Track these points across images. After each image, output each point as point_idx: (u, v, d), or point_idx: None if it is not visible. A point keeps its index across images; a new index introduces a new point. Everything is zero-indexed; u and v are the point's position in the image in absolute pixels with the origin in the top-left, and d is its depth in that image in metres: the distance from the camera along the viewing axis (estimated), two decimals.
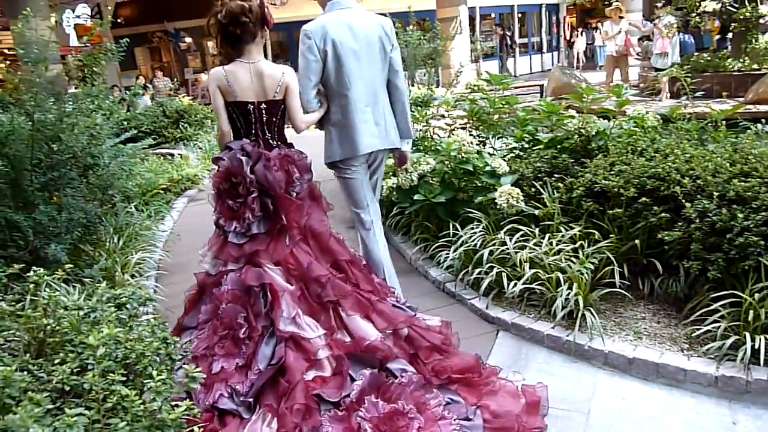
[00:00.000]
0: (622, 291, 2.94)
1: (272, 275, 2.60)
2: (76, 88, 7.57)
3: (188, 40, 18.14)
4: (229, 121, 2.75)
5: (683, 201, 2.76)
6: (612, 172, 3.17)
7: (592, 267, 2.92)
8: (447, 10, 13.43)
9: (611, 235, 3.07)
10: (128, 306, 2.41)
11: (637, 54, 11.97)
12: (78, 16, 16.73)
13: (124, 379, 1.91)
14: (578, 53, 21.27)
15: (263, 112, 2.71)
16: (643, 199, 2.92)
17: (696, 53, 11.75)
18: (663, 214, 2.85)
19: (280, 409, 2.31)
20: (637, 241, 2.97)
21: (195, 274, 2.87)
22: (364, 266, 2.91)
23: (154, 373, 1.94)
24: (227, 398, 2.40)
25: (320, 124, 3.06)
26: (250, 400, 2.38)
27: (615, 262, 2.96)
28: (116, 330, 2.13)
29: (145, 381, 1.92)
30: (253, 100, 2.69)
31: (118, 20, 17.41)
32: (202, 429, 2.01)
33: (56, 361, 2.09)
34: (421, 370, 2.54)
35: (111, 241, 3.77)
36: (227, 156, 2.70)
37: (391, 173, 3.96)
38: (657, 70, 10.81)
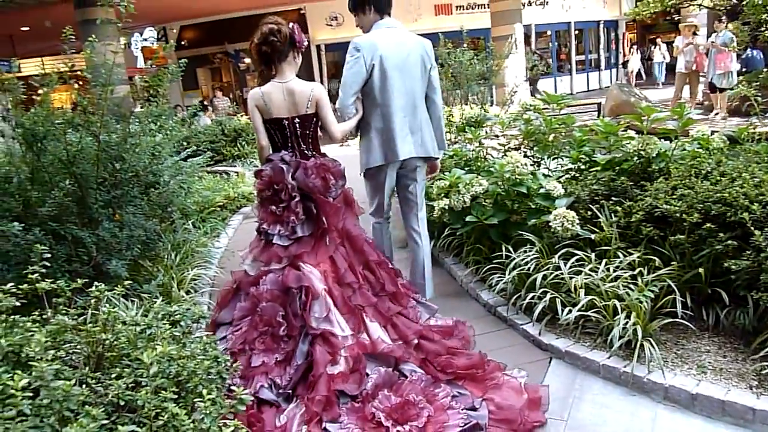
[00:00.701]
0: (685, 322, 2.79)
1: (311, 277, 2.80)
2: (141, 107, 7.92)
3: (247, 60, 18.73)
4: (268, 137, 3.03)
5: (752, 228, 2.60)
6: (674, 197, 3.03)
7: (651, 295, 2.79)
8: (502, 28, 13.35)
9: (673, 263, 2.92)
10: (182, 323, 2.46)
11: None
12: (145, 39, 17.57)
13: (176, 396, 1.95)
14: (632, 71, 20.16)
15: (297, 126, 2.98)
16: (708, 225, 2.78)
17: (765, 69, 11.24)
18: (730, 242, 2.69)
19: (306, 399, 2.53)
20: (701, 270, 2.82)
21: (232, 272, 3.14)
22: (391, 268, 3.14)
23: (204, 392, 1.97)
24: (267, 389, 2.62)
25: (358, 131, 3.34)
26: (290, 391, 2.61)
27: (677, 291, 2.82)
28: (170, 348, 2.19)
29: (195, 399, 1.96)
30: (287, 116, 2.96)
31: (182, 42, 18.21)
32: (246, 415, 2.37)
33: (113, 376, 2.16)
34: (430, 370, 2.75)
35: (169, 258, 3.89)
36: (269, 167, 2.97)
37: (443, 194, 3.92)
38: (714, 89, 10.43)
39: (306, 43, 3.08)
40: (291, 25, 2.98)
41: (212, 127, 10.57)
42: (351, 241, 3.01)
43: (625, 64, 21.21)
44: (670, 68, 18.45)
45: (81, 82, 3.53)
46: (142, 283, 3.47)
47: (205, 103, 13.14)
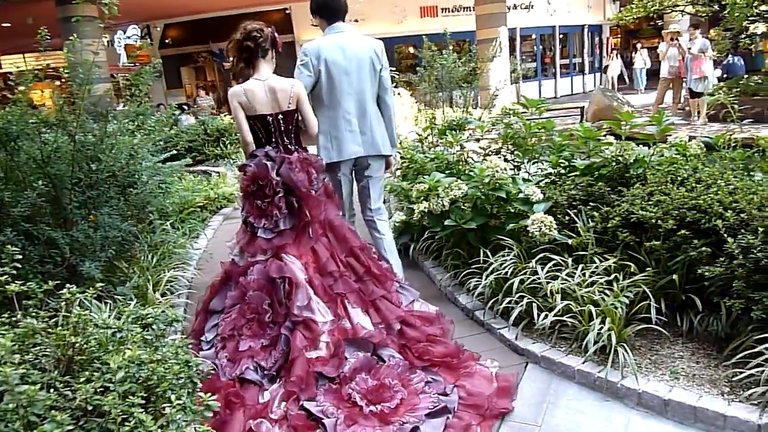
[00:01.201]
0: (659, 327, 2.81)
1: (292, 268, 2.96)
2: (124, 105, 7.84)
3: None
4: (251, 133, 3.13)
5: (725, 235, 2.63)
6: (650, 203, 3.06)
7: (627, 301, 2.81)
8: (487, 31, 13.42)
9: (648, 269, 2.95)
10: (154, 327, 2.43)
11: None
12: (128, 37, 17.42)
13: (144, 402, 1.92)
14: (612, 78, 19.51)
15: (281, 122, 3.12)
16: (683, 231, 2.81)
17: (746, 75, 11.42)
18: (703, 249, 2.72)
19: (284, 379, 2.71)
20: (675, 276, 2.85)
21: (221, 263, 3.28)
22: (374, 253, 3.34)
23: (173, 397, 1.95)
24: (252, 371, 2.78)
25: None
26: (274, 373, 2.78)
27: (651, 297, 2.84)
28: (140, 351, 2.16)
29: (164, 405, 1.93)
30: (270, 112, 3.09)
31: (166, 41, 18.07)
32: (225, 393, 2.62)
33: (81, 380, 2.13)
34: (408, 357, 2.91)
35: (145, 259, 3.84)
36: (254, 162, 3.08)
37: (423, 198, 3.92)
38: (694, 94, 10.58)
39: (280, 48, 3.23)
40: (270, 28, 3.15)
41: (195, 127, 10.48)
42: (334, 230, 3.17)
43: (605, 70, 20.70)
44: (652, 74, 18.60)
45: (62, 80, 3.47)
46: (117, 285, 3.42)
47: (189, 103, 13.01)
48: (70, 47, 3.19)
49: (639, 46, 19.34)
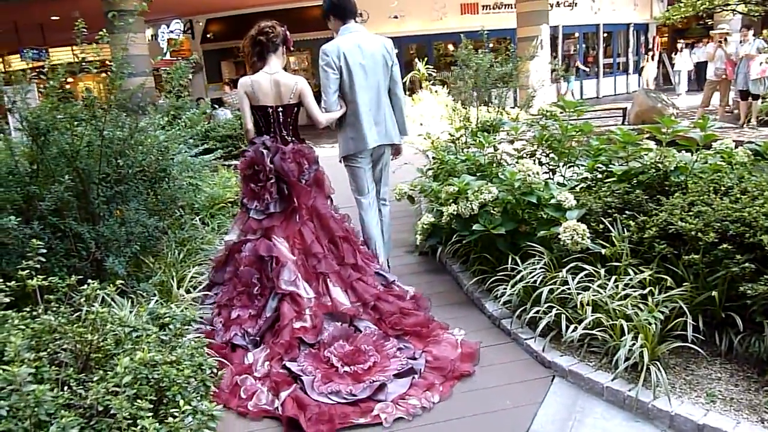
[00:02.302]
0: (695, 346, 2.64)
1: (280, 248, 3.34)
2: (166, 98, 7.94)
3: None
4: (253, 121, 3.49)
5: None
6: (690, 213, 2.89)
7: (662, 316, 2.66)
8: (528, 29, 13.14)
9: (685, 283, 2.78)
10: (171, 326, 2.41)
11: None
12: (171, 31, 17.71)
13: (152, 406, 1.90)
14: (647, 80, 18.15)
15: (280, 114, 3.45)
16: (725, 245, 2.64)
17: None
18: (747, 265, 2.55)
19: (271, 343, 3.10)
20: (715, 292, 2.68)
21: (224, 241, 3.64)
22: (357, 241, 3.67)
23: (182, 402, 1.91)
24: (240, 337, 3.19)
25: (337, 124, 3.81)
26: (258, 338, 3.18)
27: (688, 313, 2.68)
28: (153, 353, 2.13)
29: (172, 410, 1.90)
30: (272, 104, 3.42)
31: (208, 35, 18.31)
32: (221, 353, 2.99)
33: (95, 379, 2.12)
34: (383, 327, 3.26)
35: (172, 254, 3.84)
36: (252, 149, 3.43)
37: (452, 200, 3.82)
38: (745, 95, 10.14)
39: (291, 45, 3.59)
40: (283, 27, 3.52)
41: (231, 121, 10.57)
42: (319, 218, 3.49)
43: (640, 71, 19.25)
44: (696, 75, 17.80)
45: (107, 73, 3.49)
46: (142, 280, 3.43)
47: (223, 99, 13.11)
48: (112, 42, 3.24)
49: (680, 46, 17.95)
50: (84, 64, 3.43)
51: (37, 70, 3.51)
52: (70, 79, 3.64)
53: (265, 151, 3.37)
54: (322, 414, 2.62)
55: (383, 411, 2.65)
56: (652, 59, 18.40)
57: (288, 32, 3.53)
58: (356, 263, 3.52)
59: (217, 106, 12.49)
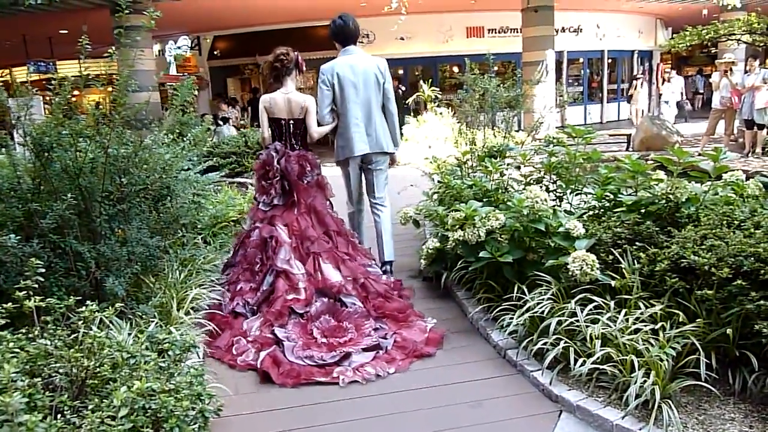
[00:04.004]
0: (708, 385, 2.57)
1: (279, 232, 3.99)
2: (168, 115, 7.91)
3: None
4: (270, 131, 4.22)
5: None
6: (703, 247, 2.83)
7: (673, 353, 2.59)
8: (533, 53, 13.20)
9: (698, 319, 2.72)
10: (170, 353, 2.35)
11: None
12: (179, 48, 17.84)
13: None
14: (637, 111, 16.13)
15: (291, 126, 4.18)
16: (739, 281, 2.57)
17: None
18: (762, 302, 2.49)
19: (265, 311, 3.67)
20: (728, 329, 2.61)
21: (242, 230, 4.46)
22: (349, 236, 4.27)
23: None
24: (241, 306, 3.79)
25: (333, 134, 4.45)
26: (255, 308, 3.76)
27: (701, 350, 2.61)
28: (151, 381, 2.07)
29: None
30: (285, 117, 4.16)
31: (215, 52, 18.43)
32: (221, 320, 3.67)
33: (90, 407, 2.05)
34: (367, 306, 3.76)
35: (173, 275, 3.78)
36: (265, 152, 4.20)
37: (458, 226, 3.77)
38: (751, 125, 10.13)
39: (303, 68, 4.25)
40: (296, 53, 4.19)
41: (236, 138, 10.57)
42: (316, 214, 4.12)
43: (629, 99, 17.16)
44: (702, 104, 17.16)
45: (113, 88, 3.47)
46: (142, 301, 3.36)
47: (227, 116, 13.11)
48: (120, 57, 3.24)
49: (667, 75, 15.70)
50: (89, 79, 3.42)
51: (44, 82, 3.50)
52: (75, 92, 3.63)
53: (274, 154, 4.09)
54: (292, 371, 3.16)
55: (342, 374, 3.13)
56: (641, 86, 16.34)
57: (300, 57, 4.20)
58: (348, 252, 4.09)
59: (221, 123, 12.49)
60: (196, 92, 4.41)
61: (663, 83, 15.49)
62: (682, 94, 16.61)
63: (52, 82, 3.24)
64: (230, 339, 3.49)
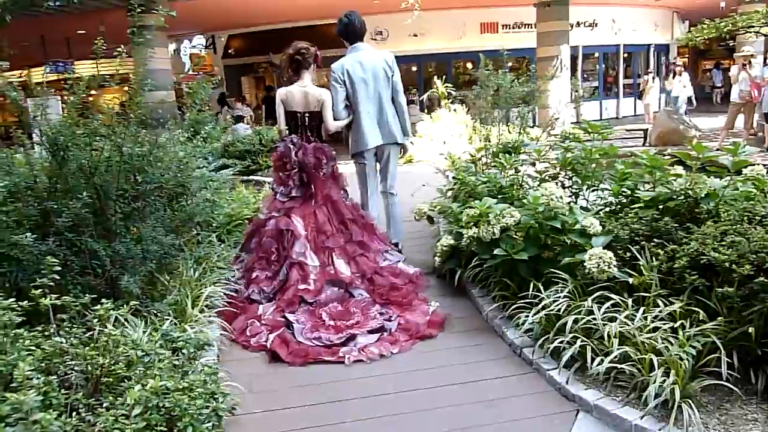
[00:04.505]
0: (729, 384, 2.52)
1: (296, 224, 4.14)
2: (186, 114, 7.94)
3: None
4: (286, 123, 4.36)
5: None
6: (723, 243, 2.77)
7: (693, 352, 2.54)
8: (547, 48, 13.08)
9: (719, 317, 2.66)
10: (185, 351, 2.35)
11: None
12: (194, 46, 17.94)
13: None
14: (649, 105, 15.63)
15: (306, 118, 4.33)
16: (761, 278, 2.52)
17: None
18: None
19: (278, 299, 3.89)
20: (751, 328, 2.55)
21: (253, 218, 4.72)
22: (369, 224, 4.45)
23: None
24: (257, 293, 3.97)
25: (347, 129, 4.62)
26: (271, 296, 3.95)
27: (722, 349, 2.56)
28: (162, 382, 2.06)
29: None
30: (301, 110, 4.30)
31: (230, 51, 18.51)
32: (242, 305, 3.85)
33: (104, 405, 2.06)
34: (374, 296, 3.94)
35: (188, 273, 3.79)
36: (282, 144, 4.34)
37: (472, 223, 3.73)
38: None
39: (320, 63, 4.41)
40: (315, 48, 4.33)
41: (251, 137, 10.60)
42: (333, 204, 4.29)
43: (640, 95, 16.83)
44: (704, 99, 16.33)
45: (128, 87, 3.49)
46: (157, 299, 3.37)
47: (241, 114, 13.16)
48: (135, 56, 3.26)
49: (678, 69, 15.25)
50: (106, 78, 3.44)
51: (62, 82, 3.52)
52: (93, 92, 3.66)
53: (291, 147, 4.24)
54: (300, 350, 3.34)
55: (347, 353, 3.29)
56: (652, 81, 15.87)
57: (318, 52, 4.34)
58: (362, 241, 4.26)
59: (240, 119, 12.55)
60: (211, 91, 4.44)
61: (673, 77, 15.07)
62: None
63: (68, 81, 3.26)
64: (245, 322, 3.66)
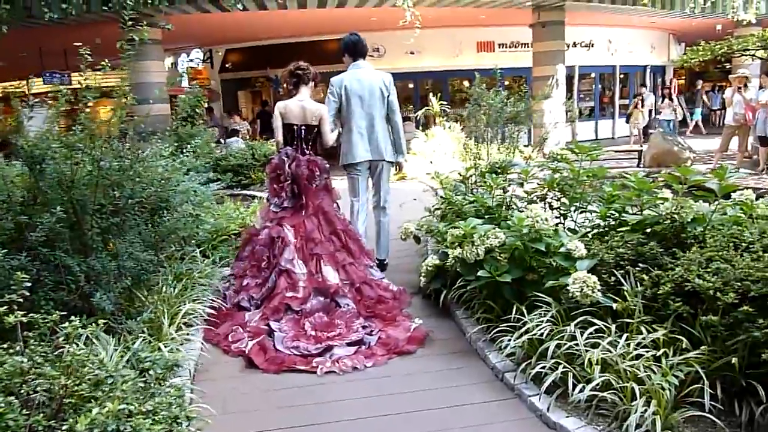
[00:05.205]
0: (712, 416, 2.45)
1: (286, 233, 4.23)
2: (181, 126, 7.91)
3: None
4: (283, 135, 4.47)
5: None
6: (708, 270, 2.72)
7: (676, 381, 2.48)
8: (544, 68, 13.12)
9: (703, 346, 2.60)
10: (151, 372, 2.28)
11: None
12: (191, 60, 17.98)
13: None
14: (637, 130, 15.57)
15: (303, 131, 4.45)
16: (746, 307, 2.47)
17: None
18: None
19: (264, 306, 3.96)
20: (735, 358, 2.49)
21: (248, 227, 4.93)
22: (353, 236, 4.50)
23: None
24: (246, 300, 4.06)
25: (338, 141, 4.79)
26: (259, 302, 4.03)
27: (705, 379, 2.49)
28: (129, 401, 2.00)
29: None
30: (298, 123, 4.42)
31: (227, 65, 18.55)
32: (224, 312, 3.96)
33: (64, 428, 1.98)
34: (359, 307, 4.01)
35: (168, 289, 3.72)
36: (277, 156, 4.48)
37: (457, 244, 3.69)
38: (765, 141, 9.97)
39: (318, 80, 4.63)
40: (313, 69, 4.56)
41: (243, 151, 10.58)
42: (324, 214, 4.37)
43: (628, 118, 16.62)
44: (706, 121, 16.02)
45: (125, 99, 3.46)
46: (134, 316, 3.30)
47: (237, 128, 13.17)
48: (130, 69, 3.24)
49: (668, 91, 15.28)
50: (86, 89, 3.39)
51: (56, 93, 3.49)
52: (90, 104, 3.64)
53: (285, 159, 4.36)
54: (276, 358, 3.42)
55: (321, 363, 3.35)
56: (641, 105, 15.65)
57: (317, 72, 4.59)
58: (353, 250, 4.36)
59: (235, 132, 12.55)
60: (205, 104, 4.42)
61: (662, 101, 14.89)
62: (675, 111, 15.95)
63: (49, 94, 3.23)
64: (229, 328, 3.76)
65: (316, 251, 4.19)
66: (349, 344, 3.55)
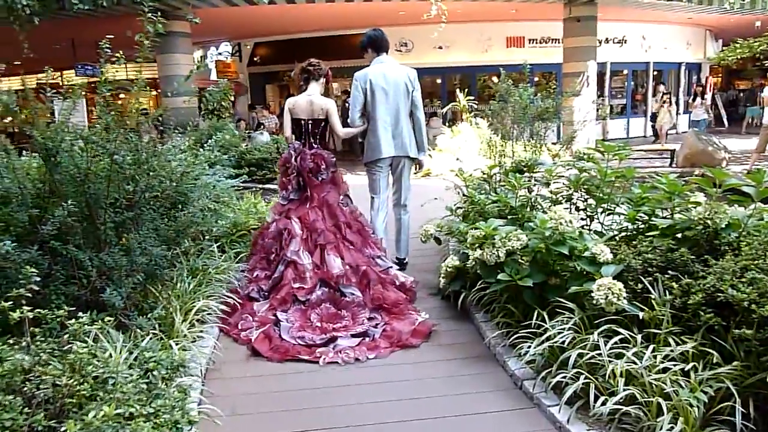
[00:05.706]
0: None
1: (293, 225, 4.33)
2: (208, 119, 7.91)
3: None
4: (292, 130, 4.59)
5: None
6: (743, 280, 2.56)
7: (705, 398, 2.34)
8: (574, 64, 12.82)
9: (735, 361, 2.45)
10: (155, 373, 2.23)
11: None
12: (220, 53, 18.09)
13: None
14: (662, 128, 15.29)
15: (310, 125, 4.53)
16: None
17: None
18: None
19: (271, 297, 4.06)
20: None
21: (264, 222, 4.84)
22: (362, 227, 4.54)
23: None
24: (256, 292, 4.19)
25: (362, 137, 4.86)
26: (267, 293, 4.15)
27: (737, 396, 2.34)
28: (131, 402, 1.95)
29: None
30: (305, 117, 4.50)
31: (255, 59, 18.62)
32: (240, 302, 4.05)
33: (62, 429, 1.94)
34: (365, 297, 4.03)
35: (182, 284, 3.68)
36: (286, 151, 4.61)
37: (477, 245, 3.56)
38: None
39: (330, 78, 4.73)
40: (327, 67, 4.62)
41: (268, 145, 10.57)
42: (328, 207, 4.42)
43: (653, 117, 16.44)
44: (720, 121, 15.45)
45: (158, 90, 3.44)
46: (147, 312, 3.27)
47: (262, 121, 13.18)
48: (160, 62, 3.20)
49: (701, 88, 14.99)
50: (107, 82, 3.36)
51: (92, 85, 3.49)
52: (122, 96, 3.65)
53: (293, 153, 4.49)
54: (281, 347, 3.50)
55: (324, 354, 3.43)
56: (668, 104, 15.50)
57: (330, 72, 4.66)
58: (354, 242, 4.36)
59: (261, 126, 12.56)
60: (232, 97, 4.38)
61: (694, 99, 14.58)
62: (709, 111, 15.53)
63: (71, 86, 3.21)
64: (239, 317, 3.88)
65: (320, 241, 4.26)
66: (353, 335, 3.62)
